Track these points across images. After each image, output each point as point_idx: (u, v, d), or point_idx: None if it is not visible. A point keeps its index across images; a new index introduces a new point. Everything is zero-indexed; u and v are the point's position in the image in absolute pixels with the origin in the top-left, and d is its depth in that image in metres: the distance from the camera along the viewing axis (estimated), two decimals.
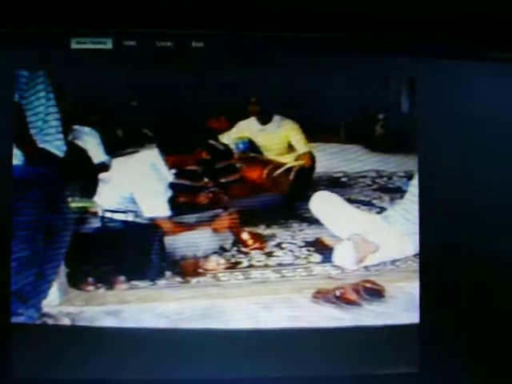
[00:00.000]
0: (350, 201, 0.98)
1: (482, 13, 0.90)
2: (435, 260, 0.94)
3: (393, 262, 0.97)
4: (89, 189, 0.93)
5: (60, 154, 0.91)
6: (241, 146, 0.98)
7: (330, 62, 0.94)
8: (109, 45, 0.91)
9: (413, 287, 0.94)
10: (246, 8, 0.88)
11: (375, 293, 0.95)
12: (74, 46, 0.91)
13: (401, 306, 0.94)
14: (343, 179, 0.99)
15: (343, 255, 0.96)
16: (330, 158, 0.98)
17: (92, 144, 0.94)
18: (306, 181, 0.98)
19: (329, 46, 0.93)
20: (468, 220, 0.94)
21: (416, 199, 0.95)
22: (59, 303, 0.91)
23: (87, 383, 0.90)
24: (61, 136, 0.91)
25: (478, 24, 0.92)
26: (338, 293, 0.95)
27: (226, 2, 0.87)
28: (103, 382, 0.90)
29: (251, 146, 0.98)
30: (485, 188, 0.95)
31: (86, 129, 0.93)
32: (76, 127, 0.93)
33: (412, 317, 0.93)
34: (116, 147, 0.94)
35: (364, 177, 1.00)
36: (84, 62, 0.91)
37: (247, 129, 0.98)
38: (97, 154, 0.94)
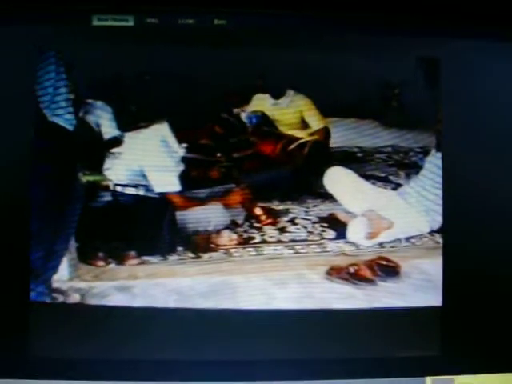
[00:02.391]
0: (366, 176, 0.97)
1: None
2: (458, 241, 0.93)
3: (408, 238, 0.96)
4: (99, 163, 0.92)
5: (70, 127, 0.91)
6: (254, 119, 0.96)
7: (349, 41, 0.94)
8: (130, 22, 0.91)
9: (428, 265, 0.94)
10: None
11: (390, 270, 0.94)
12: (95, 22, 0.91)
13: (416, 283, 0.94)
14: (359, 154, 0.97)
15: (357, 231, 0.95)
16: (346, 133, 0.96)
17: (104, 118, 0.93)
18: (320, 156, 0.97)
19: (349, 26, 0.94)
20: (492, 201, 0.94)
21: (432, 176, 0.94)
22: (69, 278, 0.90)
23: (96, 363, 0.90)
24: (71, 110, 0.91)
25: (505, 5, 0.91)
26: (351, 269, 0.94)
27: None
28: (113, 363, 0.90)
29: (264, 119, 0.96)
30: (510, 169, 0.95)
31: (99, 103, 0.92)
32: (89, 101, 0.92)
33: (428, 296, 0.93)
34: (128, 122, 0.93)
35: (380, 152, 0.98)
36: (105, 39, 0.92)
37: (261, 103, 0.97)
38: (109, 128, 0.93)
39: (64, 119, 0.90)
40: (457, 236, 0.93)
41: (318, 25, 0.94)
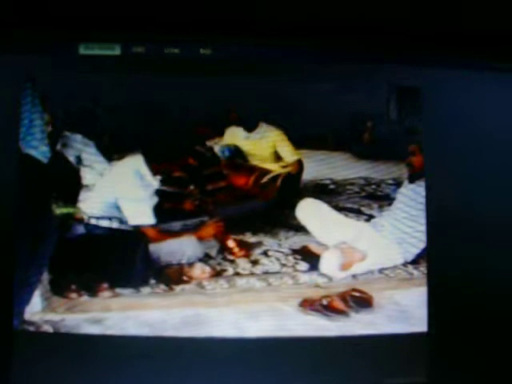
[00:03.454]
0: (338, 208, 0.98)
1: (487, 24, 0.90)
2: (442, 267, 0.94)
3: (381, 270, 0.96)
4: (74, 195, 0.92)
5: (44, 160, 0.91)
6: (226, 152, 0.97)
7: (324, 71, 0.95)
8: (117, 51, 0.92)
9: (401, 296, 0.94)
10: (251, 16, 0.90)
11: (363, 301, 0.94)
12: (82, 51, 0.92)
13: (389, 314, 0.94)
14: (331, 186, 0.98)
15: (330, 263, 0.95)
16: (318, 165, 0.97)
17: (86, 152, 0.93)
18: (293, 188, 0.98)
19: (323, 56, 0.95)
20: (475, 228, 0.94)
21: (405, 208, 0.95)
22: (41, 310, 0.90)
23: None
24: (46, 142, 0.91)
25: (482, 35, 0.92)
26: (324, 301, 0.94)
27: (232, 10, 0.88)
28: None
29: (237, 152, 0.98)
30: (491, 196, 0.95)
31: (78, 136, 0.93)
32: (67, 134, 0.93)
33: (401, 327, 0.93)
34: (103, 154, 0.94)
35: (352, 184, 0.99)
36: (89, 69, 0.92)
37: (234, 136, 0.98)
38: (93, 161, 0.93)
39: (39, 151, 0.90)
40: (441, 263, 0.94)
41: (297, 54, 0.94)
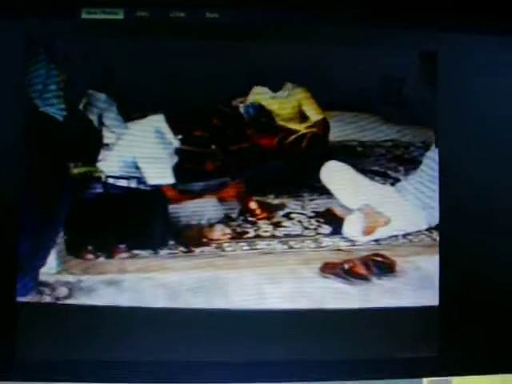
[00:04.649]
0: (364, 171, 0.95)
1: None
2: (455, 236, 0.92)
3: (405, 235, 0.94)
4: (93, 154, 0.90)
5: (59, 118, 0.89)
6: (251, 111, 0.94)
7: (347, 34, 0.93)
8: (120, 15, 0.90)
9: (425, 262, 0.93)
10: None
11: (385, 267, 0.93)
12: (84, 16, 0.89)
13: (412, 281, 0.92)
14: (358, 148, 0.96)
15: (353, 227, 0.94)
16: (345, 127, 0.95)
17: (107, 111, 0.91)
18: (318, 149, 0.95)
19: (347, 19, 0.93)
20: (490, 198, 0.93)
21: (431, 172, 0.93)
22: (57, 272, 0.89)
23: (83, 365, 0.89)
24: (61, 100, 0.89)
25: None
26: (346, 266, 0.92)
27: None
28: (101, 363, 0.89)
29: (262, 111, 0.95)
30: (506, 164, 0.94)
31: (102, 95, 0.91)
32: (90, 92, 0.91)
33: (424, 295, 0.92)
34: (124, 114, 0.91)
35: (380, 146, 0.96)
36: (94, 32, 0.90)
37: (259, 96, 0.95)
38: (112, 120, 0.91)
39: (55, 109, 0.89)
40: (454, 233, 0.92)
41: (316, 18, 0.92)
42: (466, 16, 0.92)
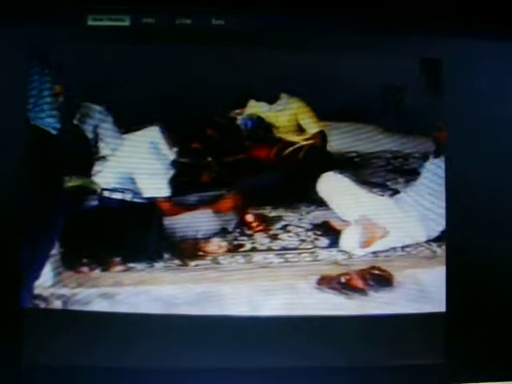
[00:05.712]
0: (363, 182, 0.95)
1: None
2: (462, 247, 0.92)
3: (403, 247, 0.94)
4: (88, 167, 0.90)
5: (53, 131, 0.89)
6: (249, 123, 0.94)
7: (347, 42, 0.92)
8: (126, 22, 0.90)
9: (423, 274, 0.92)
10: None
11: (382, 280, 0.92)
12: (90, 22, 0.90)
13: (410, 294, 0.92)
14: (356, 159, 0.95)
15: (350, 239, 0.93)
16: (343, 138, 0.94)
17: (104, 122, 0.91)
18: (316, 161, 0.94)
19: (348, 26, 0.92)
20: (496, 207, 0.93)
21: (430, 183, 0.93)
22: (51, 285, 0.89)
23: (88, 370, 0.89)
24: (54, 113, 0.89)
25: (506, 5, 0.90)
26: (343, 279, 0.92)
27: None
28: (107, 369, 0.89)
29: (260, 123, 0.94)
30: None
31: (97, 107, 0.91)
32: (86, 104, 0.91)
33: (421, 307, 0.91)
34: (120, 125, 0.91)
35: (378, 157, 0.95)
36: (99, 40, 0.90)
37: (256, 107, 0.94)
38: (108, 132, 0.91)
39: (48, 123, 0.89)
40: (460, 240, 0.92)
41: (317, 25, 0.92)
42: (469, 22, 0.92)
